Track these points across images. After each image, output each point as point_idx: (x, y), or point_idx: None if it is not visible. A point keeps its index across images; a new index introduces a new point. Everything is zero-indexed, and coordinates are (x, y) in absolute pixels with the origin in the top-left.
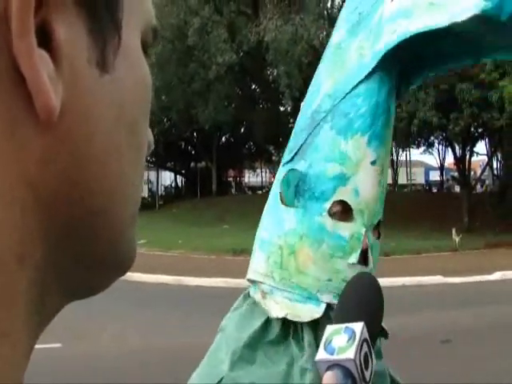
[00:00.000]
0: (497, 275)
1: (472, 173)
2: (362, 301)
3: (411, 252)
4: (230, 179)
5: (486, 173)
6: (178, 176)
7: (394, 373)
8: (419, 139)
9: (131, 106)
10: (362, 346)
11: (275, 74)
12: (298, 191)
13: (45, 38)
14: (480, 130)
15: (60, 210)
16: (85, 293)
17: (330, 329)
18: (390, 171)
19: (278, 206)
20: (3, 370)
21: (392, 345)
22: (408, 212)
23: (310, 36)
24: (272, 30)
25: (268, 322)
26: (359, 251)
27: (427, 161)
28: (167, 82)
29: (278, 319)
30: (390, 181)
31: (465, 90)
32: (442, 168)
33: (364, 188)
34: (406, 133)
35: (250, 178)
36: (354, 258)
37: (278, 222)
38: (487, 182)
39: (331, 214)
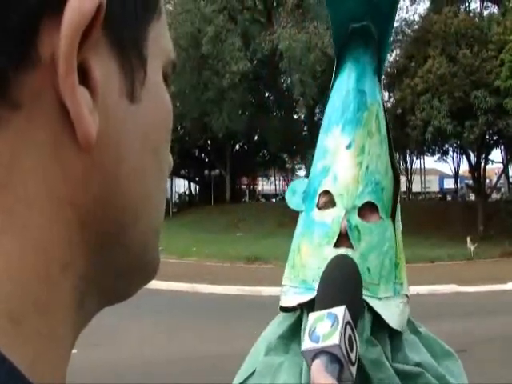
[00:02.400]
0: None
1: (487, 181)
2: (339, 284)
3: (425, 260)
4: (244, 187)
5: (501, 181)
6: (191, 183)
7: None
8: (433, 147)
9: (155, 132)
10: (345, 329)
11: (289, 82)
12: (304, 196)
13: (83, 75)
14: (495, 138)
15: (96, 226)
16: (116, 299)
17: (312, 316)
18: (404, 179)
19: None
20: (53, 366)
21: None
22: (422, 220)
23: (324, 44)
24: (286, 39)
25: (303, 315)
26: (338, 233)
27: (442, 168)
28: (181, 90)
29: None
30: (403, 188)
31: (480, 98)
32: (456, 176)
33: (341, 172)
34: (421, 140)
35: (264, 185)
36: (335, 240)
37: (296, 229)
38: (503, 190)
39: (319, 207)
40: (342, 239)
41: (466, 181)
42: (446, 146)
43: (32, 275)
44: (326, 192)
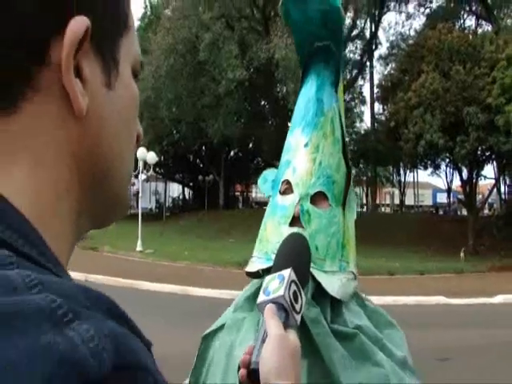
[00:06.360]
0: (499, 298)
1: (480, 196)
2: (291, 253)
3: (415, 272)
4: (238, 193)
5: (494, 197)
6: (185, 188)
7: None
8: (426, 161)
9: (126, 110)
10: (290, 285)
11: (284, 91)
12: (273, 184)
13: (78, 72)
14: (488, 154)
15: (87, 169)
16: (99, 223)
17: (267, 278)
18: (397, 192)
19: None
20: (62, 250)
21: None
22: (413, 233)
23: None
24: (282, 48)
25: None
26: (293, 215)
27: (435, 183)
28: (178, 95)
29: None
30: (397, 201)
31: (471, 114)
32: (449, 190)
33: (299, 166)
34: (413, 154)
35: (257, 193)
36: (289, 221)
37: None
38: (495, 205)
39: (281, 192)
40: (296, 220)
41: (459, 195)
42: (438, 160)
43: (47, 193)
44: (287, 181)
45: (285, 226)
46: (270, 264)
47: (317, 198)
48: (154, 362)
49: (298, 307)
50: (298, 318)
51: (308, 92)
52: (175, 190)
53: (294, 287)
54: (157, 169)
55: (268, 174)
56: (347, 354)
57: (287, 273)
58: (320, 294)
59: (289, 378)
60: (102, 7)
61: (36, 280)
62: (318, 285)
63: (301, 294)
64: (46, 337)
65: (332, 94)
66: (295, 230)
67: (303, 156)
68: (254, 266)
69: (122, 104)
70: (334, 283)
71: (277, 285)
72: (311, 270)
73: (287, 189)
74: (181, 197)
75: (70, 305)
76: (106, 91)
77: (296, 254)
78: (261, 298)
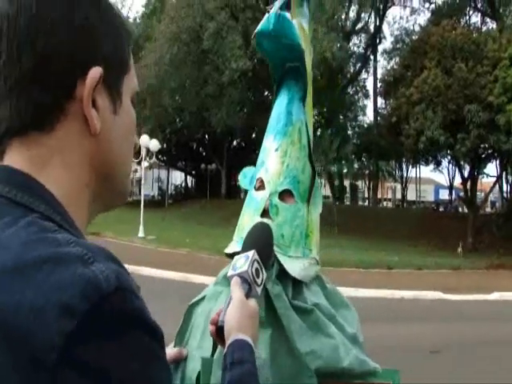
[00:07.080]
0: (495, 295)
1: (482, 194)
2: (256, 238)
3: (413, 267)
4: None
5: (496, 195)
6: (188, 176)
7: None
8: (427, 156)
9: (126, 130)
10: (253, 263)
11: None
12: (251, 180)
13: (93, 103)
14: (490, 152)
15: (101, 171)
16: (107, 207)
17: (236, 257)
18: (399, 187)
19: None
20: (82, 225)
21: (381, 352)
22: (414, 229)
23: (322, 48)
24: None
25: None
26: (263, 208)
27: (437, 179)
28: (181, 84)
29: None
30: (399, 196)
31: (472, 112)
32: (451, 187)
33: (270, 167)
34: (414, 150)
35: None
36: (261, 212)
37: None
38: (497, 204)
39: (256, 188)
40: (266, 212)
41: (461, 193)
42: (439, 156)
43: (73, 186)
44: (261, 179)
45: (257, 216)
46: None
47: (284, 194)
48: (137, 288)
49: (259, 281)
50: (259, 290)
51: (281, 104)
52: (178, 177)
53: (256, 265)
54: (159, 156)
55: (247, 171)
56: (304, 326)
57: (251, 253)
58: (283, 275)
59: (247, 333)
60: (112, 58)
61: (72, 240)
62: (281, 267)
63: (262, 271)
64: (79, 269)
65: (300, 108)
66: (265, 220)
67: (274, 159)
68: (231, 248)
69: (124, 126)
70: (295, 266)
71: (242, 262)
72: (277, 254)
73: (260, 186)
74: (183, 185)
75: (92, 253)
76: (113, 116)
77: (260, 239)
78: (230, 272)
